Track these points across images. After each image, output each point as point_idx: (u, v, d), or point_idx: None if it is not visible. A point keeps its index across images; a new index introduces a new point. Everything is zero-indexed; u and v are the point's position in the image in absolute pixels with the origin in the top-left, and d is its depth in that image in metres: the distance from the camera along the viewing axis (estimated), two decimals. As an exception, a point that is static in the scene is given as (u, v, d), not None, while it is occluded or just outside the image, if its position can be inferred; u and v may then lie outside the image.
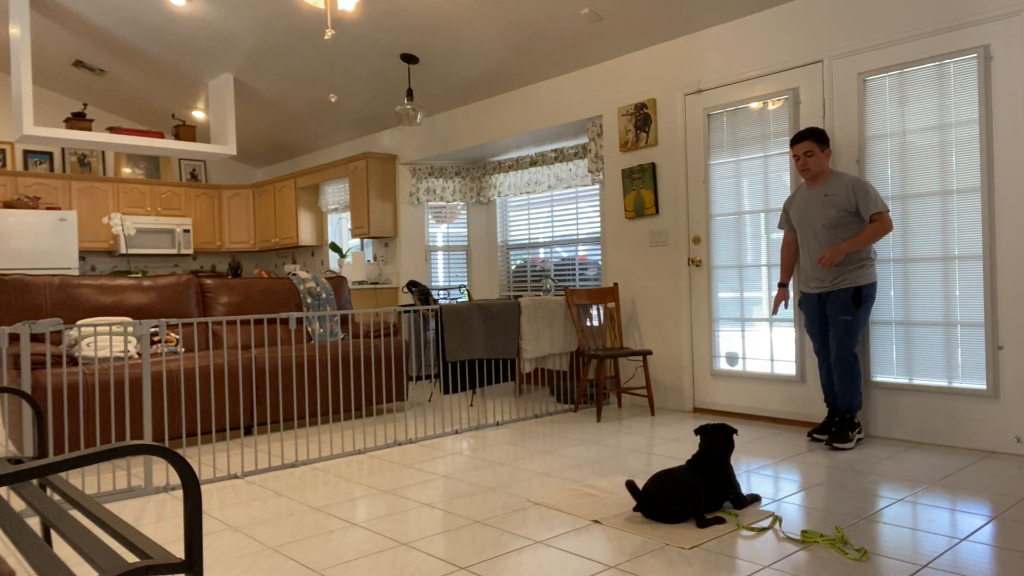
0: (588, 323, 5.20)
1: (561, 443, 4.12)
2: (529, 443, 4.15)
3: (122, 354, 4.10)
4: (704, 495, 2.75)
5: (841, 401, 3.79)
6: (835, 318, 3.77)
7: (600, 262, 6.17)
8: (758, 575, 2.23)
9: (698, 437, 2.98)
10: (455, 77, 6.06)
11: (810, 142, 3.80)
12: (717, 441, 2.89)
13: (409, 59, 5.80)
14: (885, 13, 3.97)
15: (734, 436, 2.96)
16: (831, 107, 4.21)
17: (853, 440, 3.74)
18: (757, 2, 4.41)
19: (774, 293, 4.47)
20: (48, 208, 7.40)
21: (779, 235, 4.48)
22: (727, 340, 4.78)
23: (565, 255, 6.55)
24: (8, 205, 7.15)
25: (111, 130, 6.86)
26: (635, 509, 2.82)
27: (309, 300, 5.48)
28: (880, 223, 3.68)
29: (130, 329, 4.26)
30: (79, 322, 4.01)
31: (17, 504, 3.15)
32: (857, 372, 3.77)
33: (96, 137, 6.15)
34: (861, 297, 3.74)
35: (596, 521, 2.77)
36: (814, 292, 3.90)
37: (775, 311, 4.11)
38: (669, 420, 4.68)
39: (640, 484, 3.14)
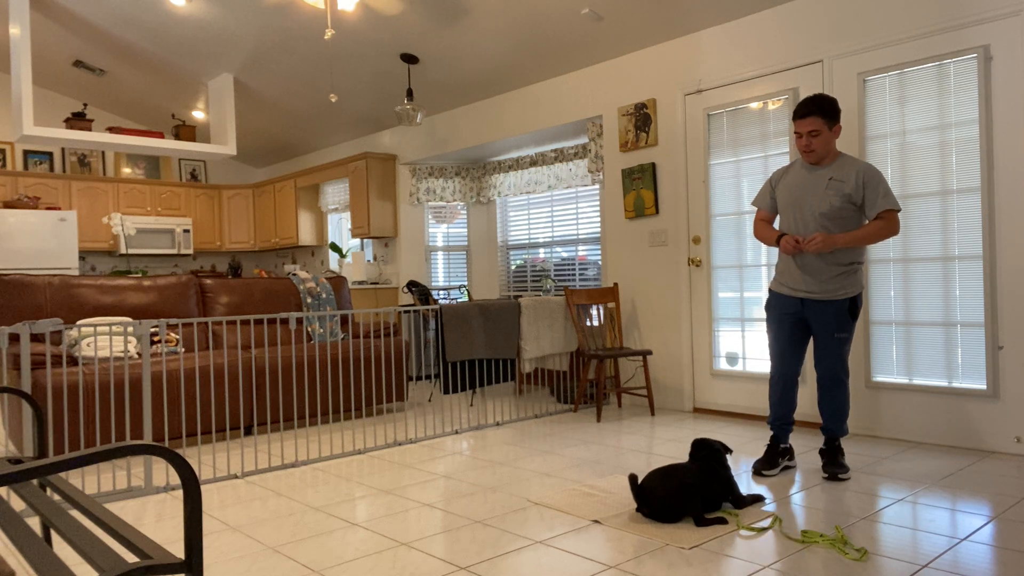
0: (588, 323, 5.20)
1: (561, 443, 4.12)
2: (529, 443, 4.15)
3: (122, 354, 4.10)
4: (703, 495, 2.75)
5: (835, 426, 3.32)
6: (828, 335, 3.24)
7: (600, 262, 6.17)
8: (758, 575, 2.23)
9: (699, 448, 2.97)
10: (455, 77, 6.06)
11: (817, 119, 3.16)
12: (714, 450, 2.89)
13: (409, 59, 5.80)
14: (885, 13, 3.97)
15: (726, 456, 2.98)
16: (831, 107, 4.20)
17: (848, 466, 3.33)
18: (757, 2, 4.41)
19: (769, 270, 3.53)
20: (48, 208, 7.40)
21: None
22: (727, 340, 4.78)
23: (565, 255, 6.55)
24: (8, 205, 7.15)
25: (111, 130, 6.86)
26: (637, 510, 2.82)
27: (309, 300, 5.48)
28: (888, 222, 3.15)
29: (130, 329, 4.26)
30: (79, 322, 4.01)
31: (17, 504, 3.15)
32: (848, 394, 3.34)
33: (96, 137, 6.15)
34: (857, 309, 3.25)
35: (596, 521, 2.77)
36: (797, 296, 3.31)
37: (798, 248, 3.21)
38: (669, 420, 4.68)
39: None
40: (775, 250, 4.46)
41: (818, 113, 3.17)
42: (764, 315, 3.41)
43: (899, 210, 3.17)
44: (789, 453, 3.42)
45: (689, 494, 2.71)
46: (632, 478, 2.80)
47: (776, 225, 3.52)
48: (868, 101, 4.07)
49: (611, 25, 4.91)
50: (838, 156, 3.27)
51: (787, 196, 3.35)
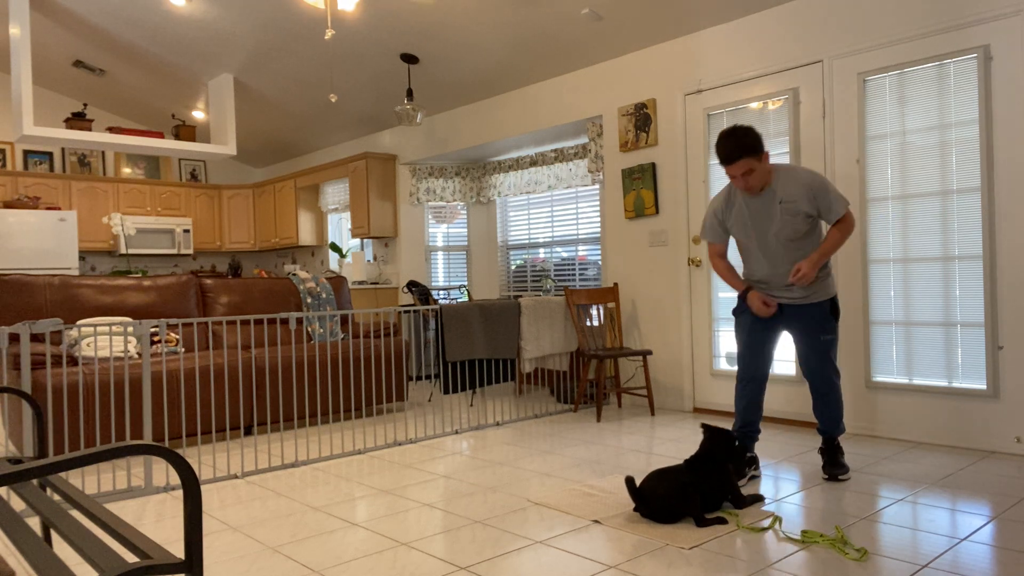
0: (588, 323, 5.20)
1: (561, 443, 4.12)
2: (529, 443, 4.15)
3: (122, 354, 4.10)
4: (702, 495, 2.75)
5: (830, 427, 3.30)
6: (815, 338, 3.23)
7: (600, 262, 6.17)
8: (758, 575, 2.23)
9: (702, 434, 2.96)
10: (455, 77, 6.06)
11: (747, 160, 3.04)
12: (717, 445, 2.88)
13: (409, 59, 5.80)
14: (885, 13, 3.97)
15: (735, 446, 2.95)
16: (831, 107, 4.21)
17: (847, 466, 3.32)
18: (757, 2, 4.41)
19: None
20: (48, 208, 7.40)
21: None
22: (727, 340, 4.78)
23: (565, 255, 6.55)
24: (8, 205, 7.15)
25: (111, 130, 6.86)
26: (635, 509, 2.82)
27: (309, 300, 5.48)
28: (844, 222, 3.15)
29: (130, 329, 4.26)
30: (79, 322, 4.01)
31: (17, 504, 3.15)
32: (841, 393, 3.35)
33: (96, 137, 6.15)
34: (837, 310, 3.27)
35: (596, 521, 2.77)
36: (777, 303, 3.29)
37: (767, 310, 3.24)
38: (669, 420, 4.68)
39: (639, 483, 3.14)
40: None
41: (745, 154, 3.04)
42: (764, 318, 3.35)
43: (848, 205, 3.15)
44: (755, 462, 3.35)
45: (688, 494, 2.71)
46: (629, 480, 2.80)
47: (743, 253, 3.43)
48: (868, 101, 4.07)
49: (611, 25, 4.91)
50: (773, 173, 3.18)
51: (742, 228, 3.28)
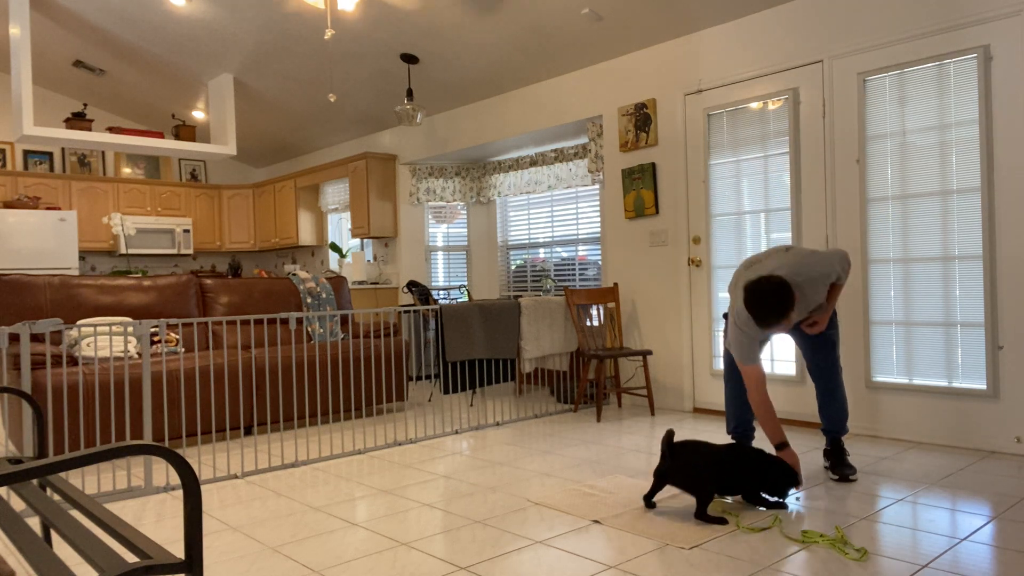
0: (588, 323, 5.19)
1: (561, 443, 4.12)
2: (529, 443, 4.14)
3: (122, 354, 4.10)
4: (723, 484, 2.78)
5: (836, 426, 3.32)
6: (820, 335, 3.30)
7: (600, 262, 6.17)
8: (758, 575, 2.23)
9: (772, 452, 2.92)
10: (455, 77, 6.06)
11: (790, 316, 2.96)
12: (771, 465, 2.87)
13: (409, 59, 5.80)
14: (885, 13, 3.97)
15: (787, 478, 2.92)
16: (831, 107, 4.21)
17: (855, 467, 3.34)
18: (757, 2, 4.41)
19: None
20: (48, 208, 7.40)
21: (781, 234, 4.47)
22: (727, 340, 4.78)
23: (565, 255, 6.55)
24: (8, 205, 7.15)
25: (111, 130, 6.86)
26: (658, 466, 2.83)
27: (309, 300, 5.48)
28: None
29: (130, 329, 4.26)
30: (79, 322, 4.01)
31: (17, 504, 3.15)
32: (845, 391, 3.37)
33: (96, 137, 6.15)
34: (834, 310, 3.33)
35: (596, 521, 2.77)
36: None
37: (798, 468, 3.05)
38: (669, 420, 4.67)
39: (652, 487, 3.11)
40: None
41: (787, 315, 2.95)
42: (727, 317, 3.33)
43: (841, 252, 3.17)
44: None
45: (701, 482, 2.71)
46: (669, 434, 2.81)
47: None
48: (868, 101, 4.07)
49: (611, 25, 4.91)
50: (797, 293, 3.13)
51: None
